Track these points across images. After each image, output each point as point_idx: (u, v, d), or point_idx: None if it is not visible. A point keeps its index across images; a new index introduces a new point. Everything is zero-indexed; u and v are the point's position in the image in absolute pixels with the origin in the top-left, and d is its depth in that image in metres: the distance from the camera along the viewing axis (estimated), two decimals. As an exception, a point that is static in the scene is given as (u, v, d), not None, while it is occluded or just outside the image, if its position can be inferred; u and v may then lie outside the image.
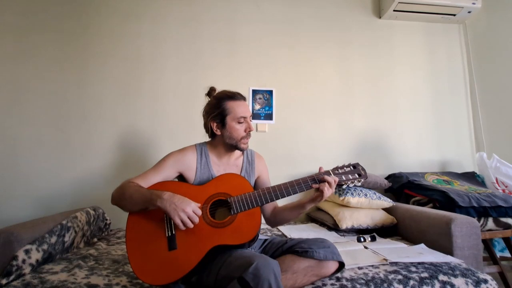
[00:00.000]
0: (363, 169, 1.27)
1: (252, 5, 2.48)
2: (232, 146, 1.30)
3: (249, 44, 2.44)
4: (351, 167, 1.27)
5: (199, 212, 1.11)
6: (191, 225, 1.08)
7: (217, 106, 1.28)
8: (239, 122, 1.28)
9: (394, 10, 2.51)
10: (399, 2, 2.43)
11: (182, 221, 1.07)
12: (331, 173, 1.22)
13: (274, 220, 1.38)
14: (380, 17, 2.65)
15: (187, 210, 1.07)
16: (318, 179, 1.20)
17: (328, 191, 1.17)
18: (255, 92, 2.39)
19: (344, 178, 1.24)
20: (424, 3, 2.45)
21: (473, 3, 2.48)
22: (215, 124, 1.29)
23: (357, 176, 1.25)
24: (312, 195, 1.23)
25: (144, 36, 2.32)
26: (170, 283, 1.08)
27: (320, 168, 1.23)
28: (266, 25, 2.47)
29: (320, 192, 1.18)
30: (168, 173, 1.26)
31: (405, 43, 2.67)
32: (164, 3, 2.37)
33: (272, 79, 2.43)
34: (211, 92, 1.38)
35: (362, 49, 2.60)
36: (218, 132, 1.29)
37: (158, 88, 2.30)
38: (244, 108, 1.29)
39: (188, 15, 2.39)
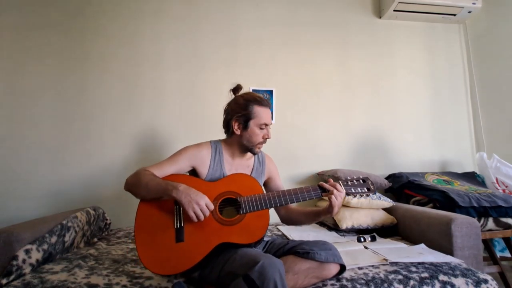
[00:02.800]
0: (373, 184, 1.30)
1: (252, 5, 2.48)
2: (246, 149, 1.34)
3: (249, 43, 2.43)
4: (361, 180, 1.30)
5: (212, 207, 1.13)
6: (202, 218, 1.10)
7: (244, 108, 1.29)
8: (261, 128, 1.31)
9: (394, 10, 2.51)
10: (399, 2, 2.43)
11: (195, 214, 1.09)
12: (341, 184, 1.25)
13: (289, 219, 1.42)
14: (380, 17, 2.65)
15: (201, 203, 1.09)
16: (327, 188, 1.22)
17: (337, 201, 1.19)
18: (255, 92, 2.39)
19: (353, 190, 1.27)
20: (424, 3, 2.45)
21: (473, 3, 2.48)
22: (237, 124, 1.31)
23: (366, 190, 1.28)
24: (326, 206, 1.25)
25: (145, 36, 2.31)
26: (172, 275, 1.09)
27: (329, 180, 1.25)
28: (266, 25, 2.47)
29: (329, 202, 1.20)
30: (182, 166, 1.28)
31: (405, 43, 2.67)
32: (164, 3, 2.36)
33: (272, 79, 2.43)
34: (238, 89, 1.39)
35: (362, 49, 2.60)
36: (238, 132, 1.31)
37: (159, 88, 2.30)
38: (268, 116, 1.32)
39: (188, 15, 2.39)
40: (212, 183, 1.25)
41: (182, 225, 1.15)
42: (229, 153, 1.36)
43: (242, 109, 1.30)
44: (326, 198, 1.22)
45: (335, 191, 1.19)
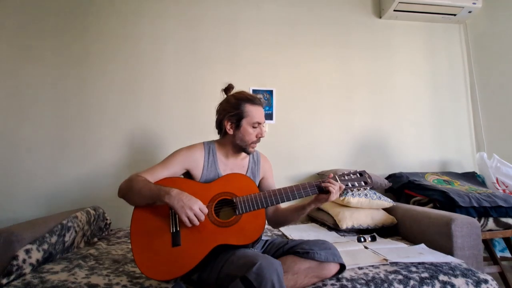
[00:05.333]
0: (370, 177, 1.29)
1: (253, 6, 2.48)
2: (240, 148, 1.32)
3: (250, 44, 2.43)
4: (358, 174, 1.29)
5: (206, 210, 1.12)
6: (197, 223, 1.09)
7: (236, 107, 1.28)
8: (253, 127, 1.29)
9: (394, 10, 2.51)
10: (399, 2, 2.43)
11: (189, 219, 1.08)
12: (338, 179, 1.24)
13: (276, 220, 1.40)
14: (380, 17, 2.65)
15: (194, 208, 1.08)
16: (324, 185, 1.21)
17: (333, 197, 1.19)
18: (255, 92, 2.39)
19: (350, 185, 1.26)
20: (425, 3, 2.45)
21: (474, 3, 2.48)
22: (229, 124, 1.29)
23: (363, 184, 1.27)
24: (314, 197, 1.24)
25: (144, 36, 2.31)
26: (172, 279, 1.08)
27: (329, 176, 1.24)
28: (266, 25, 2.47)
29: (325, 195, 1.21)
30: (175, 169, 1.27)
31: (405, 43, 2.67)
32: (165, 3, 2.36)
33: (272, 79, 2.43)
34: (229, 89, 1.38)
35: (362, 49, 2.60)
36: (231, 132, 1.30)
37: (159, 88, 2.30)
38: (260, 114, 1.30)
39: (189, 15, 2.38)
40: (207, 184, 1.23)
41: (178, 229, 1.13)
42: (223, 153, 1.35)
43: (234, 109, 1.28)
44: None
45: (333, 185, 1.19)
